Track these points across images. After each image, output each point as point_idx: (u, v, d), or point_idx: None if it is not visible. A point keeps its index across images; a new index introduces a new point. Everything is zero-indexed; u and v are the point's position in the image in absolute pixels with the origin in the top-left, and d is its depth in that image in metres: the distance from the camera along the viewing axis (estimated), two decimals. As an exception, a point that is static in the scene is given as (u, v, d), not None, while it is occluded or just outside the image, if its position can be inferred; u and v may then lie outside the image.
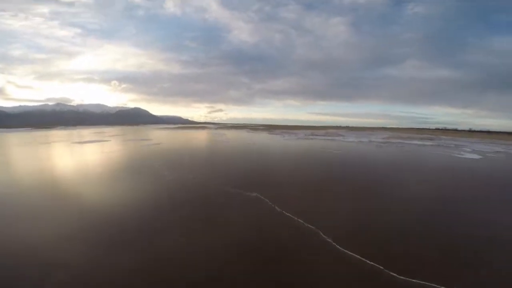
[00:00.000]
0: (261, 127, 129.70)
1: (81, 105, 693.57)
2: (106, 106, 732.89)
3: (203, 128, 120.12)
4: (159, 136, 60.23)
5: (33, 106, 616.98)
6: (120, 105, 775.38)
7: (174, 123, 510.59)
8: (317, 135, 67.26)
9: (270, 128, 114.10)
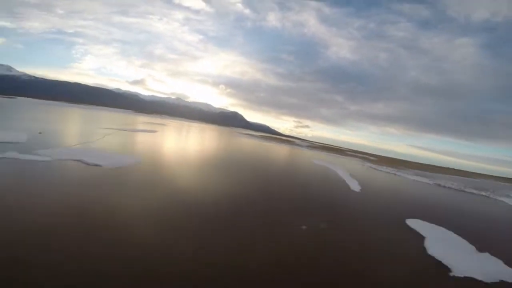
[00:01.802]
0: (373, 158, 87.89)
1: (194, 102, 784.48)
2: (212, 106, 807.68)
3: (291, 143, 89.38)
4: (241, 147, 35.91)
5: (161, 97, 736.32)
6: (223, 107, 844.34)
7: (262, 131, 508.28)
8: None
9: (393, 163, 72.67)
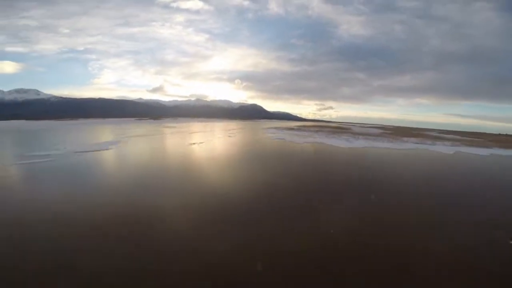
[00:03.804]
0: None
1: (213, 101, 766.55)
2: (231, 102, 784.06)
3: (349, 132, 57.06)
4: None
5: (181, 100, 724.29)
6: (242, 101, 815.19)
7: (284, 119, 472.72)
8: None
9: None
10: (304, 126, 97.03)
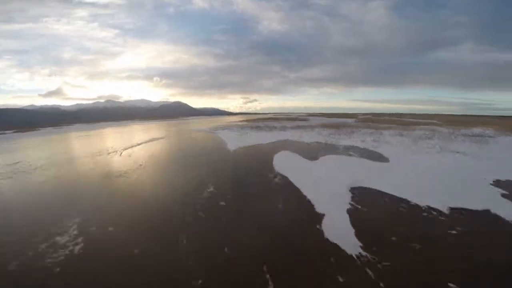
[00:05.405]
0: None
1: (128, 101, 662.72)
2: (150, 101, 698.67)
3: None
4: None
5: (87, 103, 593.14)
6: (163, 100, 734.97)
7: (214, 115, 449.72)
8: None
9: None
10: (258, 119, 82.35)
